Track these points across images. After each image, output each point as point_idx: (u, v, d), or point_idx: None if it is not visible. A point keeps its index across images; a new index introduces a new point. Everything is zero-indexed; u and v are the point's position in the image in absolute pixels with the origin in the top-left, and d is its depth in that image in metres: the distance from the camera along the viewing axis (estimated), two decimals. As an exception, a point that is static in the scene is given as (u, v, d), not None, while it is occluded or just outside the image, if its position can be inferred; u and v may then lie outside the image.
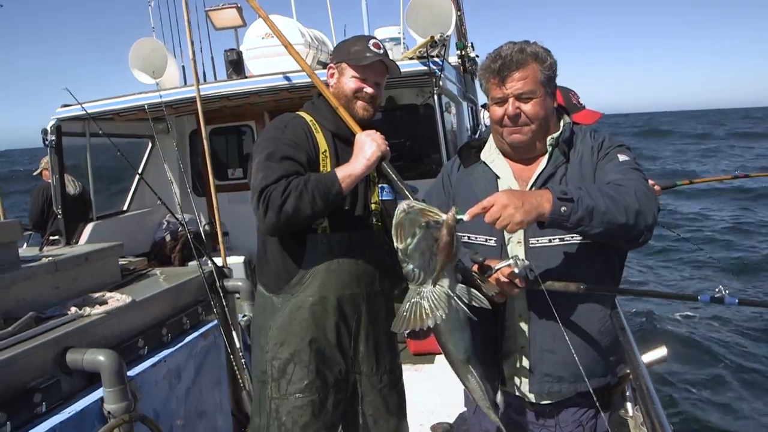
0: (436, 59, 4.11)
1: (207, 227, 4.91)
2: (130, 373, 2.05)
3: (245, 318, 2.95)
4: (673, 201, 16.90)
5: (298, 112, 2.21)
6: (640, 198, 1.56)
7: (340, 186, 1.92)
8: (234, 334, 2.85)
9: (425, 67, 4.08)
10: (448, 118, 5.14)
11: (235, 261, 5.10)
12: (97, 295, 2.30)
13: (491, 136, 1.92)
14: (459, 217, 1.49)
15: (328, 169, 2.06)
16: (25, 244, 4.98)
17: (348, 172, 1.96)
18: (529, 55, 1.71)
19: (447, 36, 4.64)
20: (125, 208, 5.85)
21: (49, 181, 6.36)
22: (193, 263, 3.49)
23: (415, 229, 1.52)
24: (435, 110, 4.23)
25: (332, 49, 4.31)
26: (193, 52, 4.30)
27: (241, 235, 5.81)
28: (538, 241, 1.73)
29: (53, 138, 4.84)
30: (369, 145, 1.99)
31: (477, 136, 7.60)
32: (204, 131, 3.96)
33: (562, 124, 1.84)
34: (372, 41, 2.16)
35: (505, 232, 1.72)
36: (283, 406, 2.09)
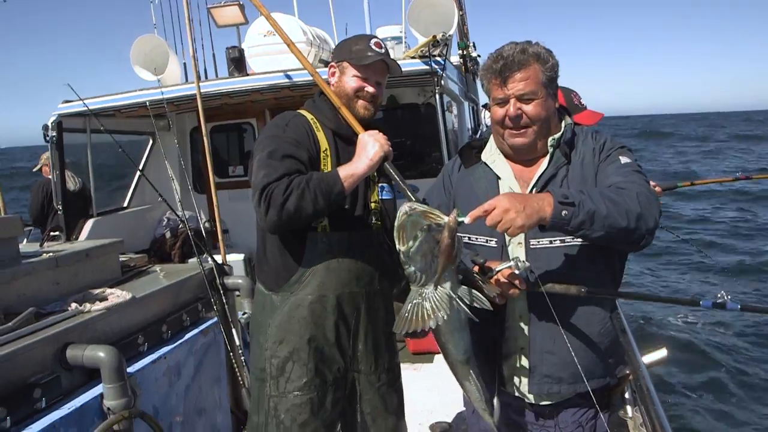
0: (438, 58, 4.11)
1: (207, 224, 4.92)
2: (129, 369, 2.05)
3: (245, 315, 2.95)
4: (673, 202, 16.89)
5: (299, 111, 2.21)
6: (642, 201, 1.55)
7: (342, 185, 1.92)
8: (234, 331, 2.85)
9: (427, 67, 4.08)
10: (450, 118, 5.13)
11: (235, 258, 5.10)
12: (97, 291, 2.30)
13: (492, 136, 1.92)
14: (460, 219, 1.49)
15: (329, 168, 2.07)
16: (25, 240, 4.98)
17: (350, 171, 1.96)
18: (531, 56, 1.70)
19: (449, 35, 4.64)
20: (125, 204, 5.85)
21: (49, 177, 6.36)
22: (193, 260, 3.49)
23: (416, 232, 1.53)
24: (436, 109, 4.23)
25: (334, 47, 4.31)
26: (194, 50, 4.30)
27: (241, 232, 5.81)
28: (539, 242, 1.72)
29: (54, 134, 4.84)
30: (372, 146, 1.99)
31: (478, 136, 7.60)
32: (204, 128, 3.96)
33: (563, 125, 1.84)
34: (373, 40, 2.16)
35: (506, 235, 1.72)
36: (282, 404, 2.09)
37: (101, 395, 1.92)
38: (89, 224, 5.11)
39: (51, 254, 2.33)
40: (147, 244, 5.77)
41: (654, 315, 8.23)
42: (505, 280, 1.64)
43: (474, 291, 1.61)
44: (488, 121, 1.96)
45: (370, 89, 2.13)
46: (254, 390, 2.21)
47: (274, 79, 4.50)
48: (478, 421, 2.03)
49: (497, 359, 1.83)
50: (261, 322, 2.17)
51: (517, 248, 1.76)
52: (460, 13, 6.42)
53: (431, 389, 3.64)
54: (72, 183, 5.64)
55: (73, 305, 2.12)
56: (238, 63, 4.81)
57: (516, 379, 1.83)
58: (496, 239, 1.77)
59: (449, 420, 3.25)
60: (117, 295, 2.25)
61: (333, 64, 2.21)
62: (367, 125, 2.13)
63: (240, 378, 2.87)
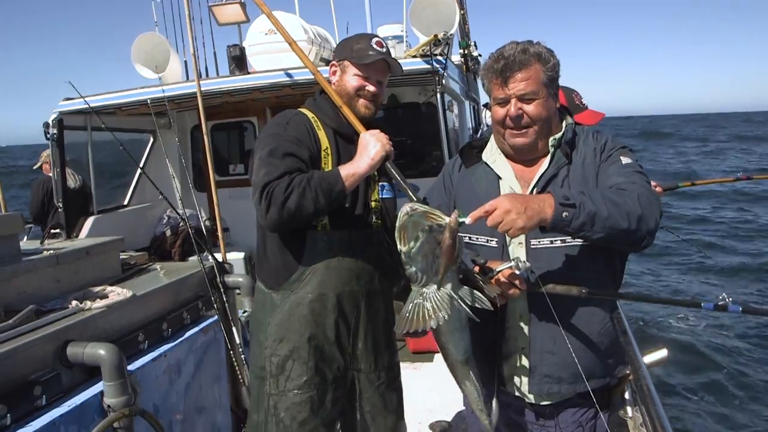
0: (439, 57, 4.11)
1: (208, 222, 4.92)
2: (130, 367, 2.05)
3: (245, 314, 2.95)
4: (674, 202, 16.88)
5: (299, 109, 2.21)
6: (643, 203, 1.55)
7: (343, 184, 1.92)
8: (234, 329, 2.85)
9: (428, 66, 4.07)
10: (451, 117, 5.13)
11: (235, 257, 5.10)
12: (97, 289, 2.30)
13: (493, 136, 1.92)
14: (461, 220, 1.50)
15: (330, 167, 2.07)
16: (26, 237, 4.98)
17: (351, 171, 1.96)
18: (532, 56, 1.70)
19: (451, 34, 4.63)
20: (126, 202, 5.85)
21: (49, 174, 6.36)
22: (193, 258, 3.49)
23: (418, 233, 1.53)
24: (437, 109, 4.23)
25: (335, 46, 4.31)
26: (194, 48, 4.29)
27: (241, 231, 5.81)
28: (539, 242, 1.72)
29: (55, 131, 4.84)
30: (373, 145, 1.99)
31: (479, 135, 7.59)
32: (205, 127, 3.95)
33: (564, 125, 1.83)
34: (375, 39, 2.16)
35: (507, 236, 1.72)
36: (282, 402, 2.09)
37: (101, 393, 1.92)
38: (90, 222, 5.11)
39: (51, 252, 2.33)
40: (147, 242, 5.77)
41: (654, 316, 8.21)
42: (506, 281, 1.64)
43: (475, 291, 1.61)
44: (489, 121, 1.96)
45: (371, 88, 2.13)
46: (254, 388, 2.21)
47: (275, 78, 4.50)
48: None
49: (497, 359, 1.83)
50: (261, 321, 2.17)
51: (517, 248, 1.76)
52: (462, 12, 6.42)
53: (431, 388, 3.64)
54: (72, 180, 5.64)
55: (74, 303, 2.12)
56: (239, 61, 4.80)
57: (516, 379, 1.83)
58: (496, 239, 1.77)
59: (449, 419, 3.25)
60: (117, 293, 2.25)
61: (334, 62, 2.22)
62: (368, 124, 2.13)
63: (240, 376, 2.87)
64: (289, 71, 4.44)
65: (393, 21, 6.46)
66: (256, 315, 2.23)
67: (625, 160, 1.72)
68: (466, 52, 6.51)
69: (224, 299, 2.83)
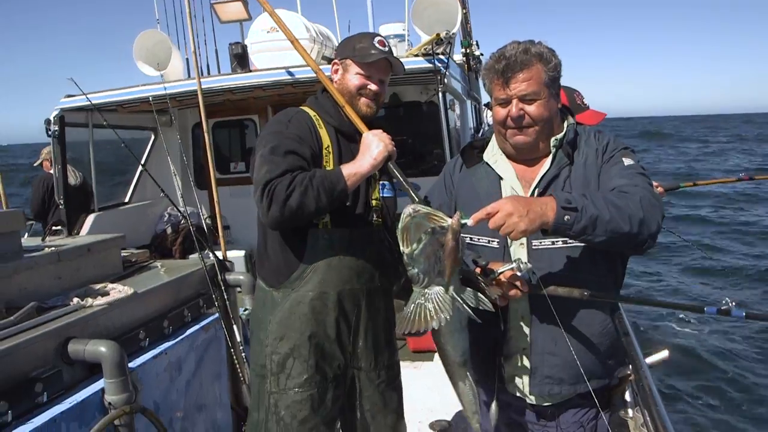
0: (441, 57, 4.11)
1: (209, 220, 4.92)
2: (131, 364, 2.05)
3: (246, 312, 2.95)
4: (676, 202, 16.88)
5: (301, 107, 2.21)
6: (645, 206, 1.55)
7: (345, 184, 1.92)
8: (235, 327, 2.85)
9: (430, 65, 4.07)
10: (452, 116, 5.13)
11: (236, 255, 5.10)
12: (99, 286, 2.30)
13: (494, 136, 1.91)
14: (463, 221, 1.49)
15: (331, 165, 2.07)
16: (27, 234, 4.98)
17: (354, 170, 1.95)
18: (534, 56, 1.69)
19: (453, 33, 4.63)
20: (127, 199, 5.85)
21: (49, 171, 6.37)
22: (194, 256, 3.49)
23: (420, 235, 1.53)
24: (439, 108, 4.23)
25: (337, 44, 4.30)
26: (195, 45, 4.29)
27: (242, 229, 5.81)
28: (541, 243, 1.72)
29: (56, 128, 4.84)
30: (376, 145, 1.99)
31: (480, 134, 7.59)
32: (205, 124, 3.96)
33: (565, 125, 1.83)
34: (377, 38, 2.16)
35: (508, 238, 1.72)
36: (282, 400, 2.09)
37: (102, 390, 1.92)
38: (90, 219, 5.11)
39: (53, 249, 2.34)
40: (148, 239, 5.77)
41: (656, 317, 8.20)
42: (507, 282, 1.64)
43: (477, 293, 1.62)
44: (490, 120, 1.95)
45: (373, 87, 2.13)
46: (254, 386, 2.21)
47: (277, 76, 4.50)
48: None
49: (498, 360, 1.83)
50: (261, 319, 2.17)
51: (519, 249, 1.76)
52: (464, 11, 6.40)
53: (431, 387, 3.64)
54: (73, 177, 5.64)
55: (75, 300, 2.12)
56: (241, 59, 4.80)
57: (517, 380, 1.83)
58: (498, 240, 1.77)
59: (449, 419, 3.25)
60: (119, 290, 2.25)
61: (336, 61, 2.22)
62: (370, 123, 2.13)
63: (240, 374, 2.87)
64: (291, 69, 4.44)
65: (395, 20, 6.47)
66: (257, 313, 2.23)
67: (627, 161, 1.71)
68: (467, 51, 6.50)
69: (225, 297, 2.83)
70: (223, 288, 2.82)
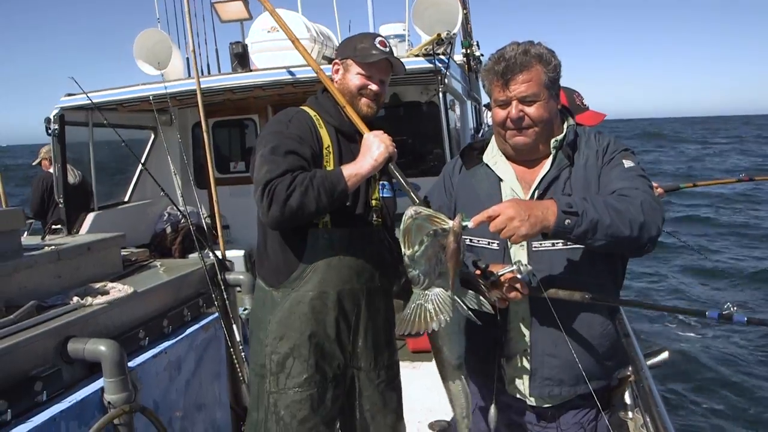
0: (442, 57, 4.11)
1: (208, 220, 4.92)
2: (130, 363, 2.05)
3: (246, 311, 2.95)
4: (676, 203, 16.88)
5: (301, 107, 2.21)
6: (646, 210, 1.55)
7: (345, 184, 1.92)
8: (234, 327, 2.85)
9: (431, 65, 4.07)
10: (452, 117, 5.13)
11: (235, 254, 5.10)
12: (98, 285, 2.30)
13: (494, 137, 1.91)
14: (464, 223, 1.50)
15: (332, 165, 2.07)
16: (26, 233, 4.98)
17: (354, 171, 1.95)
18: (533, 57, 1.68)
19: (453, 34, 4.63)
20: (126, 198, 5.85)
21: (48, 170, 6.36)
22: (194, 255, 3.49)
23: (422, 237, 1.53)
24: (439, 108, 4.23)
25: (337, 44, 4.30)
26: (195, 45, 4.29)
27: (241, 228, 5.81)
28: (541, 244, 1.72)
29: (56, 127, 4.83)
30: (377, 146, 1.99)
31: (480, 135, 7.59)
32: (205, 124, 3.95)
33: (565, 126, 1.82)
34: (378, 39, 2.17)
35: (509, 241, 1.72)
36: (282, 400, 2.09)
37: (102, 389, 1.92)
38: (90, 218, 5.11)
39: (53, 247, 2.34)
40: (147, 238, 5.77)
41: (656, 319, 8.18)
42: (508, 284, 1.64)
43: (477, 295, 1.62)
44: (490, 121, 1.95)
45: (373, 87, 2.13)
46: (254, 386, 2.21)
47: (277, 76, 4.50)
48: (476, 421, 2.03)
49: (498, 361, 1.83)
50: (261, 318, 2.17)
51: (519, 250, 1.76)
52: (464, 11, 6.41)
53: (430, 388, 3.64)
54: (72, 176, 5.64)
55: (75, 299, 2.12)
56: (241, 59, 4.80)
57: (517, 381, 1.83)
58: (498, 242, 1.77)
59: (448, 419, 3.25)
60: (118, 289, 2.25)
61: (337, 61, 2.22)
62: (370, 123, 2.13)
63: (240, 374, 2.87)
64: (291, 69, 4.44)
65: (395, 20, 6.47)
66: (257, 313, 2.23)
67: (627, 163, 1.71)
68: (468, 51, 6.51)
69: (225, 296, 2.83)
70: (222, 287, 2.81)
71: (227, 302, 2.84)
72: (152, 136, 5.91)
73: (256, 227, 2.20)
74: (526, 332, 1.78)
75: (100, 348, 1.91)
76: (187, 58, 5.30)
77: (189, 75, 5.23)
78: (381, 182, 2.21)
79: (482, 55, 6.84)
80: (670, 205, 15.94)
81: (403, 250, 1.58)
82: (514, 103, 1.70)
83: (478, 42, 7.43)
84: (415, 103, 5.88)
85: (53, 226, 4.88)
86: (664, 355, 1.91)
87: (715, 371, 6.76)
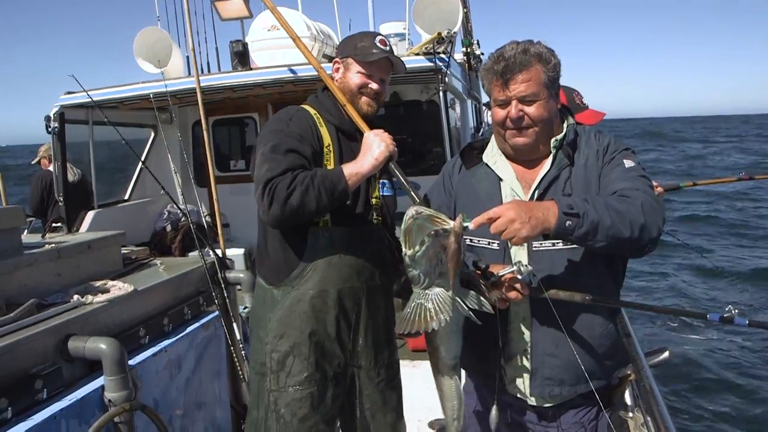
0: (442, 56, 4.10)
1: (209, 218, 4.92)
2: (131, 362, 2.06)
3: (246, 309, 2.96)
4: (676, 203, 16.89)
5: (302, 106, 2.21)
6: (647, 211, 1.55)
7: (346, 183, 1.92)
8: (234, 325, 2.85)
9: (431, 64, 4.07)
10: (452, 115, 5.13)
11: (235, 253, 5.10)
12: (99, 283, 2.31)
13: (493, 137, 1.90)
14: (465, 224, 1.50)
15: (332, 164, 2.07)
16: (26, 231, 4.97)
17: (355, 170, 1.95)
18: (533, 56, 1.67)
19: (454, 33, 4.63)
20: (126, 197, 5.85)
21: (48, 169, 6.36)
22: (194, 254, 3.49)
23: (423, 237, 1.53)
24: (440, 107, 4.22)
25: (337, 43, 4.30)
26: (195, 43, 4.29)
27: (241, 227, 5.81)
28: (541, 244, 1.71)
29: (56, 125, 4.83)
30: (377, 145, 1.99)
31: (480, 134, 7.59)
32: (205, 122, 3.95)
33: (565, 125, 1.82)
34: (378, 38, 2.17)
35: (509, 243, 1.72)
36: (282, 398, 2.09)
37: (102, 387, 1.93)
38: (90, 216, 5.10)
39: (53, 245, 2.34)
40: (147, 237, 5.76)
41: (656, 320, 8.16)
42: (508, 285, 1.63)
43: (479, 295, 1.62)
44: (490, 120, 1.94)
45: (373, 86, 2.14)
46: (254, 384, 2.21)
47: (277, 74, 4.50)
48: (476, 422, 2.03)
49: (498, 361, 1.83)
50: (261, 317, 2.17)
51: (519, 250, 1.75)
52: (465, 10, 6.40)
53: (431, 386, 3.61)
54: (71, 174, 5.63)
55: (75, 297, 2.12)
56: (241, 57, 4.79)
57: (518, 381, 1.82)
58: (498, 242, 1.76)
59: (448, 417, 3.25)
60: (119, 288, 2.25)
61: (337, 60, 2.22)
62: (370, 122, 2.13)
63: (240, 372, 2.87)
64: (291, 67, 4.43)
65: (396, 18, 6.47)
66: (257, 311, 2.23)
67: (628, 163, 1.71)
68: (468, 50, 6.49)
69: (225, 295, 2.83)
70: (223, 286, 2.82)
71: (227, 300, 2.85)
72: (152, 135, 5.90)
73: (257, 226, 2.20)
74: (527, 332, 1.78)
75: (101, 346, 1.91)
76: (188, 57, 5.30)
77: (189, 73, 5.22)
78: (381, 181, 2.22)
79: (482, 54, 6.84)
80: (671, 204, 15.93)
81: (403, 249, 1.58)
82: (514, 102, 1.69)
83: (478, 41, 7.42)
84: (416, 101, 5.87)
85: (53, 224, 4.88)
86: (665, 354, 1.91)
87: (716, 373, 6.75)
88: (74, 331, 1.98)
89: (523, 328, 1.78)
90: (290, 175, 1.87)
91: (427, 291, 1.58)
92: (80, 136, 5.29)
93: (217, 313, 2.74)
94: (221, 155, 6.36)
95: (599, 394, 1.71)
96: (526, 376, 1.80)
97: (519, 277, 1.61)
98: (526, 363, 1.79)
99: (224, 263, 2.92)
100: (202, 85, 3.92)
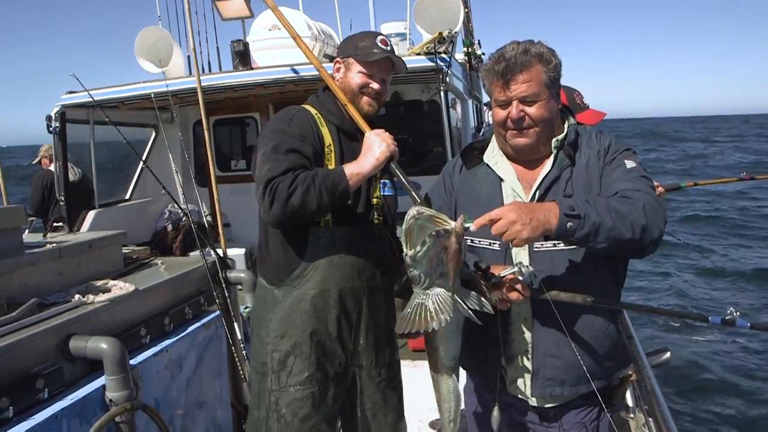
0: (443, 55, 4.10)
1: (210, 217, 4.92)
2: (132, 361, 2.05)
3: (247, 309, 2.96)
4: (677, 202, 16.87)
5: (303, 105, 2.21)
6: (648, 212, 1.54)
7: (347, 183, 1.92)
8: (235, 325, 2.86)
9: (432, 64, 4.07)
10: (453, 115, 5.13)
11: (236, 252, 5.10)
12: (100, 282, 2.31)
13: (494, 137, 1.89)
14: (467, 224, 1.50)
15: (333, 164, 2.07)
16: (27, 231, 4.98)
17: (356, 170, 1.95)
18: (534, 57, 1.67)
19: (455, 32, 4.63)
20: (127, 196, 5.85)
21: (48, 168, 6.36)
22: (195, 253, 3.49)
23: (424, 237, 1.53)
24: (441, 107, 4.22)
25: (338, 43, 4.29)
26: (195, 43, 4.29)
27: (242, 227, 5.81)
28: (542, 245, 1.71)
29: (57, 124, 4.83)
30: (378, 145, 1.99)
31: (481, 134, 7.59)
32: (206, 122, 3.95)
33: (566, 125, 1.81)
34: (379, 38, 2.17)
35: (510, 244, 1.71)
36: (283, 398, 2.09)
37: (103, 387, 1.93)
38: (91, 215, 5.11)
39: (54, 245, 2.34)
40: (148, 236, 5.77)
41: (658, 320, 8.15)
42: (509, 286, 1.63)
43: (480, 296, 1.62)
44: (491, 120, 1.94)
45: (375, 86, 2.14)
46: (255, 384, 2.21)
47: (278, 74, 4.50)
48: (476, 422, 2.03)
49: (499, 361, 1.82)
50: (262, 317, 2.17)
51: (520, 251, 1.75)
52: (466, 10, 6.40)
53: (432, 386, 3.63)
54: (72, 173, 5.63)
55: (76, 296, 2.12)
56: (242, 57, 4.79)
57: (519, 381, 1.82)
58: (499, 242, 1.75)
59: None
60: (120, 287, 2.26)
61: (338, 59, 2.22)
62: (371, 122, 2.13)
63: (241, 372, 2.87)
64: (293, 67, 4.44)
65: (397, 18, 6.46)
66: (258, 311, 2.23)
67: (629, 164, 1.70)
68: (469, 50, 6.49)
69: (226, 294, 2.83)
70: (223, 285, 2.82)
71: (228, 300, 2.85)
72: (153, 134, 5.91)
73: (258, 225, 2.20)
74: (528, 332, 1.77)
75: (102, 346, 1.91)
76: (189, 56, 5.30)
77: (190, 73, 5.23)
78: (382, 181, 2.22)
79: (483, 53, 6.83)
80: (672, 204, 15.92)
81: (404, 250, 1.58)
82: (515, 103, 1.68)
83: (479, 41, 7.42)
84: (417, 101, 5.87)
85: (54, 224, 4.88)
86: (666, 355, 1.91)
87: (717, 374, 6.73)
88: (75, 331, 1.98)
89: (524, 329, 1.78)
90: (291, 175, 1.87)
91: (427, 291, 1.58)
92: (81, 138, 5.29)
93: (218, 312, 2.74)
94: (222, 155, 6.36)
95: (600, 394, 1.71)
96: (527, 376, 1.79)
97: (520, 278, 1.61)
98: (527, 363, 1.78)
99: (225, 263, 2.92)
100: (203, 84, 3.91)
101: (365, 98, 2.13)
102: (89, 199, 5.32)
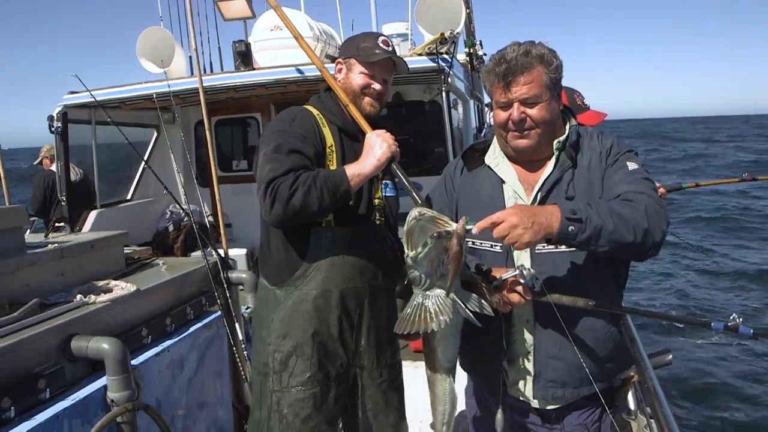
0: (445, 56, 4.10)
1: (211, 218, 4.92)
2: (133, 361, 2.06)
3: (248, 309, 2.96)
4: (678, 203, 16.84)
5: (304, 106, 2.21)
6: (650, 215, 1.54)
7: (348, 184, 1.92)
8: (237, 325, 2.86)
9: (434, 64, 4.07)
10: (455, 116, 5.13)
11: (237, 253, 5.10)
12: (101, 283, 2.31)
13: (495, 138, 1.89)
14: (468, 226, 1.49)
15: (334, 164, 2.07)
16: (29, 231, 4.98)
17: (357, 171, 1.95)
18: (535, 58, 1.66)
19: (457, 33, 4.63)
20: (129, 197, 5.86)
21: (50, 168, 6.37)
22: (196, 254, 3.49)
23: (426, 238, 1.53)
24: (443, 107, 4.22)
25: (340, 43, 4.30)
26: (197, 43, 4.29)
27: (243, 227, 5.81)
28: (544, 247, 1.70)
29: (59, 125, 4.84)
30: (380, 146, 1.99)
31: (483, 135, 7.58)
32: (207, 122, 3.96)
33: (567, 127, 1.81)
34: (381, 38, 2.17)
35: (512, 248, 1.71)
36: (285, 398, 2.09)
37: (105, 387, 1.93)
38: (92, 216, 5.11)
39: (56, 245, 2.34)
40: (150, 236, 5.77)
41: (659, 323, 8.14)
42: (510, 288, 1.63)
43: (480, 299, 1.61)
44: (492, 121, 1.93)
45: (376, 86, 2.13)
46: (256, 385, 2.21)
47: (280, 74, 4.50)
48: (477, 423, 2.03)
49: (501, 363, 1.82)
50: (264, 317, 2.17)
51: (522, 253, 1.74)
52: (467, 10, 6.39)
53: (430, 387, 3.63)
54: (73, 174, 5.64)
55: (78, 296, 2.13)
56: (244, 57, 4.80)
57: (521, 383, 1.82)
58: (501, 245, 1.75)
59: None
60: (122, 287, 2.26)
61: (340, 60, 2.22)
62: (372, 122, 2.13)
63: (242, 372, 2.87)
64: (295, 67, 4.44)
65: (398, 19, 6.46)
66: (259, 311, 2.23)
67: (631, 165, 1.70)
68: (471, 51, 6.48)
69: (227, 295, 2.83)
70: (225, 286, 2.82)
71: (230, 301, 2.85)
72: (155, 134, 5.91)
73: (259, 226, 2.20)
74: (530, 334, 1.77)
75: (103, 346, 1.91)
76: (190, 57, 5.30)
77: (192, 73, 5.23)
78: (384, 181, 2.22)
79: (485, 54, 6.83)
80: (673, 204, 15.90)
81: (406, 250, 1.58)
82: (516, 104, 1.68)
83: (481, 41, 7.41)
84: (418, 102, 5.87)
85: (56, 224, 4.88)
86: (668, 357, 1.90)
87: (720, 378, 6.72)
88: (77, 331, 1.98)
89: (526, 331, 1.78)
90: (293, 176, 1.87)
91: (427, 292, 1.58)
92: (83, 139, 5.29)
93: (219, 313, 2.74)
94: (224, 155, 6.36)
95: (602, 396, 1.70)
96: (529, 378, 1.79)
97: (521, 281, 1.61)
98: (529, 365, 1.78)
99: (227, 263, 2.92)
100: (204, 85, 3.92)
101: (367, 99, 2.13)
102: (91, 200, 5.33)
